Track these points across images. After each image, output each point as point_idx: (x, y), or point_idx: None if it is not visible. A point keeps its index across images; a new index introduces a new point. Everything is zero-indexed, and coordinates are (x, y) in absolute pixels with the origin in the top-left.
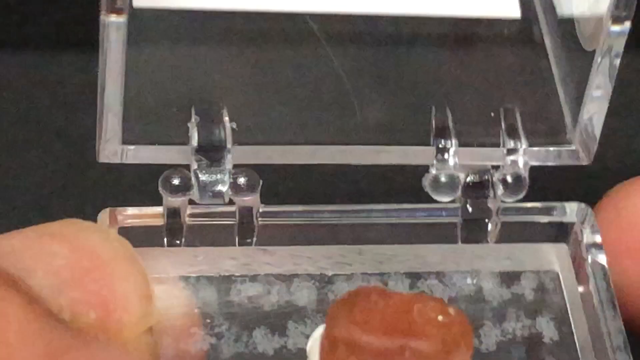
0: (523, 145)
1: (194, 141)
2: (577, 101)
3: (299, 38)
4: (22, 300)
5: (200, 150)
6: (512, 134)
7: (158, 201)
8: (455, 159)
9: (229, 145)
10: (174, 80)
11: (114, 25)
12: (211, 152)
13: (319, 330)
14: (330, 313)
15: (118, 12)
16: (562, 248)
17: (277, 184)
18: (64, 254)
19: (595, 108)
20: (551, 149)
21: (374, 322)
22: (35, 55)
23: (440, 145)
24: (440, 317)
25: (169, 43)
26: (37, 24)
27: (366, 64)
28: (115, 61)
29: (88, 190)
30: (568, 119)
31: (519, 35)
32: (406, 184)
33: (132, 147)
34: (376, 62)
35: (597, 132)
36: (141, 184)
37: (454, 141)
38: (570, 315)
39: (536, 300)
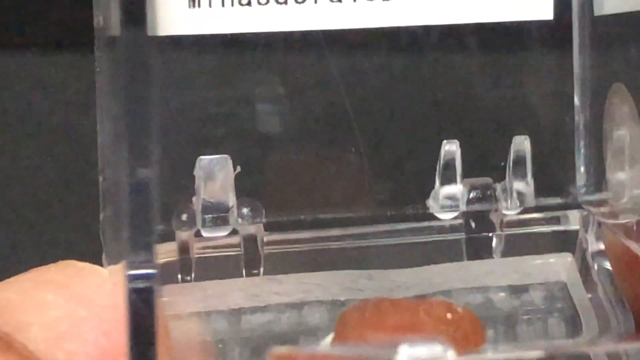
0: (530, 204)
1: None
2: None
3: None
4: None
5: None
6: (520, 195)
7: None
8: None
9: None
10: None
11: None
12: (217, 216)
13: (328, 339)
14: (340, 319)
15: None
16: (568, 257)
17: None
18: (60, 303)
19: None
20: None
21: (385, 324)
22: (36, 56)
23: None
24: (448, 315)
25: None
26: (37, 24)
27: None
28: None
29: (87, 191)
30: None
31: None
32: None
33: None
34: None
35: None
36: None
37: (460, 186)
38: (582, 323)
39: (546, 312)
